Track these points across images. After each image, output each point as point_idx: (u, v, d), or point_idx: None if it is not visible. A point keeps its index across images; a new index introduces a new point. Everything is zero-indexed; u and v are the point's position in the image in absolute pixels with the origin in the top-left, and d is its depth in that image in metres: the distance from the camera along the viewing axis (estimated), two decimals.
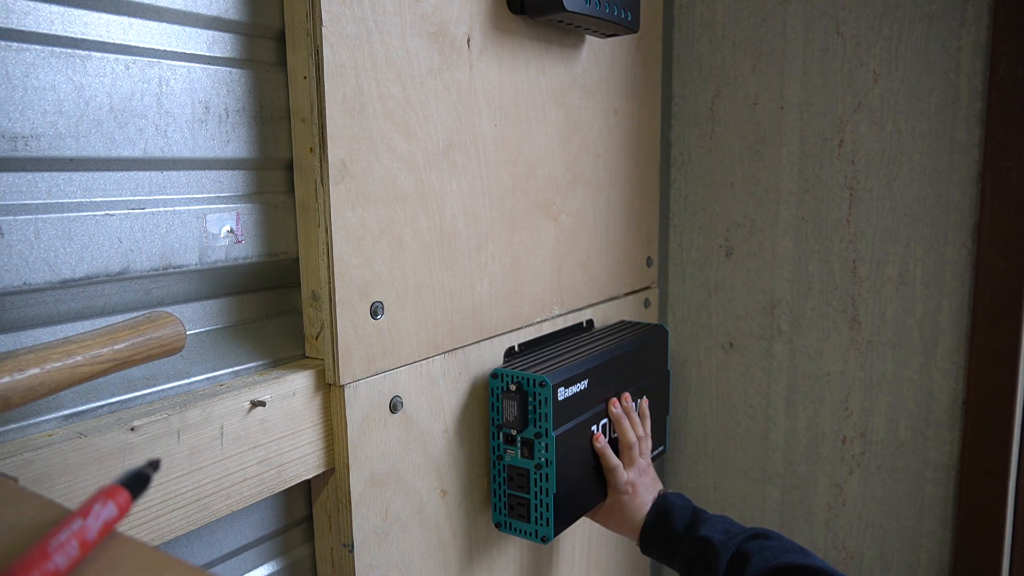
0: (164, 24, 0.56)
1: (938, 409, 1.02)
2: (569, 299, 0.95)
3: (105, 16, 0.53)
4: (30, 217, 0.49)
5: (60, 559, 0.27)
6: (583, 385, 0.82)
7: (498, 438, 0.81)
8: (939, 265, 0.99)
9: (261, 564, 0.68)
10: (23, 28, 0.48)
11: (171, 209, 0.57)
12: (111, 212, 0.53)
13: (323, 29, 0.60)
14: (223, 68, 0.60)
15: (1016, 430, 0.96)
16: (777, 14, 1.06)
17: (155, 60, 0.55)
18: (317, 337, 0.65)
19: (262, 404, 0.60)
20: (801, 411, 1.12)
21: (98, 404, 0.52)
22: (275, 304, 0.68)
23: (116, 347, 0.44)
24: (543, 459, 0.78)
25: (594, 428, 0.86)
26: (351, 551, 0.67)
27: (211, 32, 0.59)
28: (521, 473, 0.80)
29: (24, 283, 0.49)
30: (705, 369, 1.21)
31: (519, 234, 0.85)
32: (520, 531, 0.82)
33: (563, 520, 0.81)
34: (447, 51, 0.73)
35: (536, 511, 0.80)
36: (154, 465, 0.35)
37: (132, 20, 0.54)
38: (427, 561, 0.76)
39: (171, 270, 0.57)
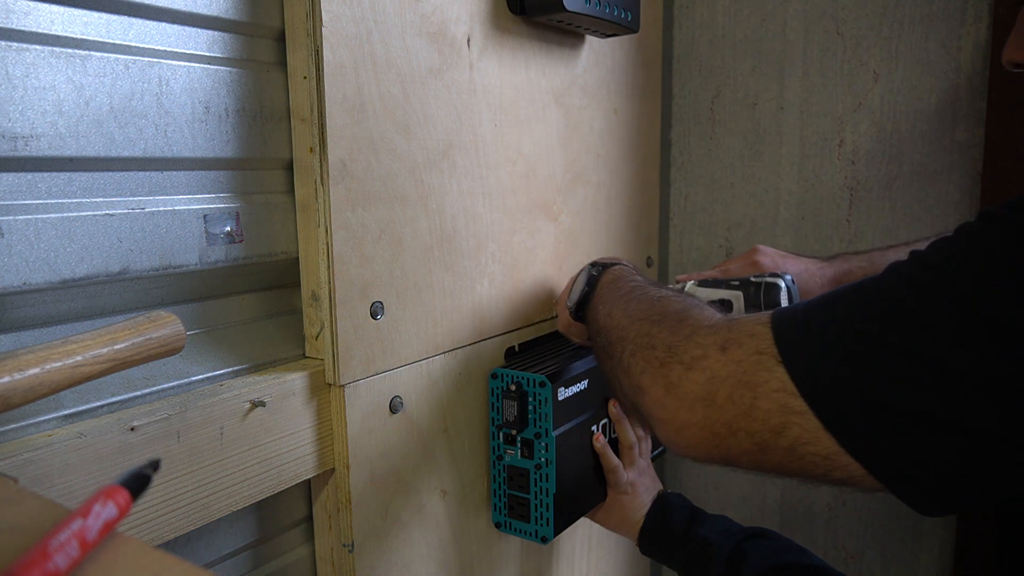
0: (164, 24, 0.56)
1: None
2: None
3: (105, 16, 0.53)
4: (30, 217, 0.49)
5: (60, 559, 0.27)
6: (583, 385, 0.82)
7: (498, 438, 0.81)
8: None
9: (261, 564, 0.68)
10: (23, 28, 0.48)
11: (171, 209, 0.57)
12: (111, 212, 0.53)
13: (323, 29, 0.60)
14: (223, 68, 0.60)
15: None
16: (777, 14, 1.06)
17: (155, 60, 0.55)
18: (317, 337, 0.65)
19: (262, 404, 0.60)
20: None
21: (98, 404, 0.53)
22: (275, 304, 0.68)
23: (116, 347, 0.44)
24: (543, 459, 0.78)
25: (594, 428, 0.86)
26: (351, 551, 0.67)
27: (211, 32, 0.59)
28: (521, 473, 0.80)
29: (24, 283, 0.49)
30: None
31: (519, 234, 0.85)
32: (520, 531, 0.82)
33: (563, 520, 0.81)
34: (447, 51, 0.73)
35: (536, 511, 0.80)
36: (154, 465, 0.35)
37: (132, 20, 0.54)
38: (427, 561, 0.76)
39: (171, 270, 0.57)
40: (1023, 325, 0.40)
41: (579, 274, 0.79)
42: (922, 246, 0.49)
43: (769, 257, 0.84)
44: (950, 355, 0.42)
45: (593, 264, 0.78)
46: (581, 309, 0.76)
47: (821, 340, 0.46)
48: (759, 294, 0.77)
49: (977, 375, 0.41)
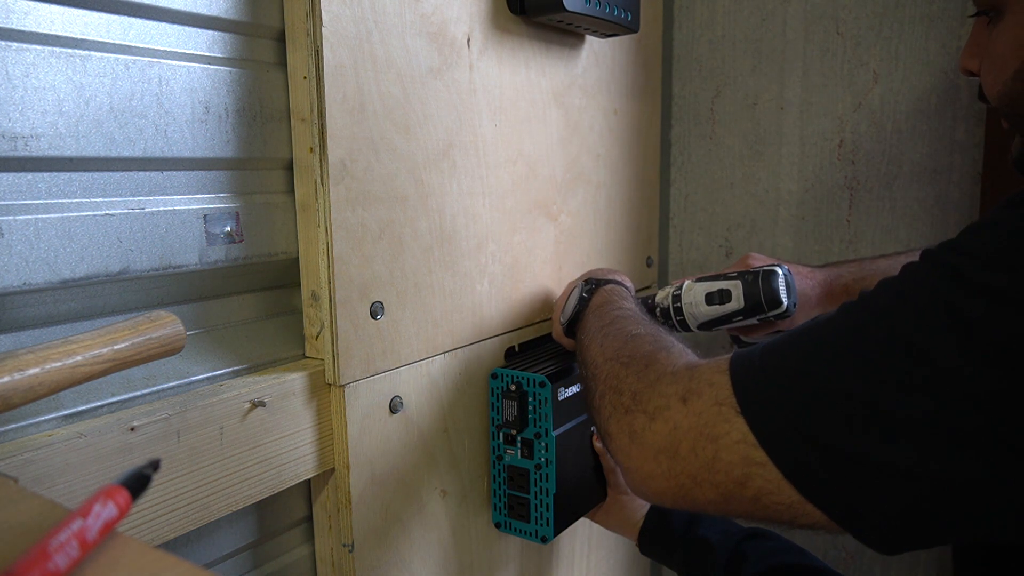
0: (164, 24, 0.56)
1: None
2: None
3: (105, 16, 0.53)
4: (30, 217, 0.49)
5: (60, 559, 0.27)
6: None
7: (498, 438, 0.81)
8: None
9: (261, 564, 0.68)
10: (23, 28, 0.48)
11: (171, 209, 0.57)
12: (111, 212, 0.53)
13: (323, 29, 0.60)
14: (223, 68, 0.60)
15: None
16: (777, 14, 1.06)
17: (155, 60, 0.55)
18: (317, 337, 0.65)
19: (262, 404, 0.60)
20: None
21: (98, 404, 0.53)
22: (275, 304, 0.68)
23: (116, 347, 0.44)
24: (543, 459, 0.78)
25: (594, 428, 0.86)
26: (351, 551, 0.67)
27: (211, 32, 0.59)
28: (521, 473, 0.80)
29: (24, 283, 0.49)
30: None
31: (519, 234, 0.85)
32: (520, 531, 0.82)
33: (563, 520, 0.81)
34: (447, 51, 0.73)
35: (536, 511, 0.80)
36: (154, 465, 0.35)
37: (132, 20, 0.54)
38: (427, 561, 0.76)
39: (171, 270, 0.57)
40: (962, 371, 0.41)
41: (573, 289, 0.79)
42: (913, 256, 0.49)
43: (761, 261, 0.85)
44: (899, 401, 0.42)
45: (587, 281, 0.79)
46: (572, 328, 0.77)
47: (778, 388, 0.47)
48: (757, 281, 0.78)
49: (926, 422, 0.42)
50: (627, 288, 0.77)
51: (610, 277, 0.79)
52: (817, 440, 0.44)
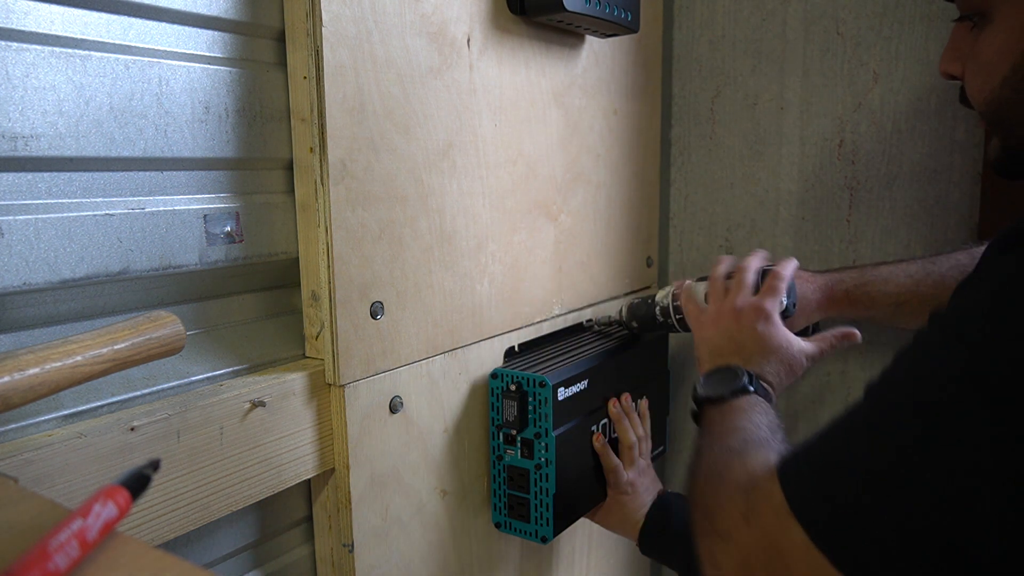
0: (164, 24, 0.56)
1: None
2: (569, 299, 0.95)
3: (105, 16, 0.53)
4: (30, 217, 0.49)
5: (60, 559, 0.27)
6: (583, 385, 0.82)
7: (498, 438, 0.81)
8: None
9: (261, 564, 0.68)
10: (23, 28, 0.48)
11: (171, 209, 0.57)
12: (111, 212, 0.53)
13: (323, 29, 0.60)
14: (223, 68, 0.60)
15: None
16: (777, 14, 1.06)
17: (155, 60, 0.55)
18: (317, 337, 0.65)
19: (262, 404, 0.60)
20: (801, 411, 1.12)
21: (98, 404, 0.53)
22: (275, 304, 0.68)
23: (116, 347, 0.44)
24: (543, 459, 0.78)
25: (594, 428, 0.86)
26: (351, 551, 0.67)
27: (211, 32, 0.59)
28: (521, 473, 0.80)
29: (24, 283, 0.49)
30: None
31: (519, 234, 0.85)
32: (520, 531, 0.82)
33: (563, 520, 0.81)
34: (447, 51, 0.73)
35: (536, 511, 0.80)
36: (154, 465, 0.35)
37: (132, 20, 0.54)
38: (427, 561, 0.76)
39: (171, 270, 0.57)
40: (991, 427, 0.40)
41: (727, 367, 0.71)
42: (912, 264, 0.48)
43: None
44: (937, 474, 0.41)
45: (748, 375, 0.70)
46: (699, 405, 0.71)
47: (828, 490, 0.46)
48: (758, 281, 0.78)
49: (970, 490, 0.40)
50: (772, 403, 0.69)
51: (763, 376, 0.71)
52: (877, 538, 0.43)
